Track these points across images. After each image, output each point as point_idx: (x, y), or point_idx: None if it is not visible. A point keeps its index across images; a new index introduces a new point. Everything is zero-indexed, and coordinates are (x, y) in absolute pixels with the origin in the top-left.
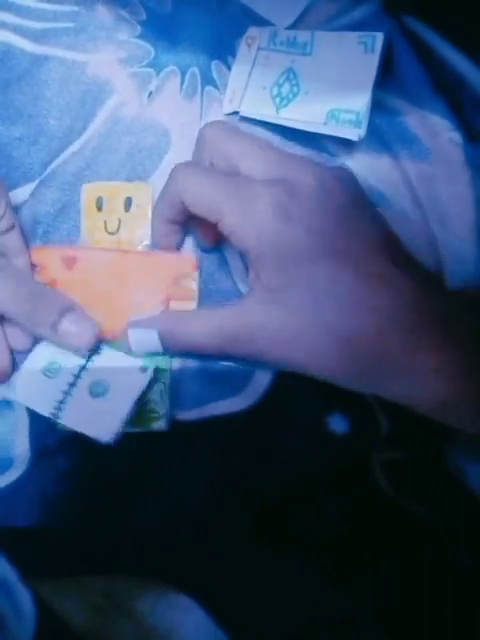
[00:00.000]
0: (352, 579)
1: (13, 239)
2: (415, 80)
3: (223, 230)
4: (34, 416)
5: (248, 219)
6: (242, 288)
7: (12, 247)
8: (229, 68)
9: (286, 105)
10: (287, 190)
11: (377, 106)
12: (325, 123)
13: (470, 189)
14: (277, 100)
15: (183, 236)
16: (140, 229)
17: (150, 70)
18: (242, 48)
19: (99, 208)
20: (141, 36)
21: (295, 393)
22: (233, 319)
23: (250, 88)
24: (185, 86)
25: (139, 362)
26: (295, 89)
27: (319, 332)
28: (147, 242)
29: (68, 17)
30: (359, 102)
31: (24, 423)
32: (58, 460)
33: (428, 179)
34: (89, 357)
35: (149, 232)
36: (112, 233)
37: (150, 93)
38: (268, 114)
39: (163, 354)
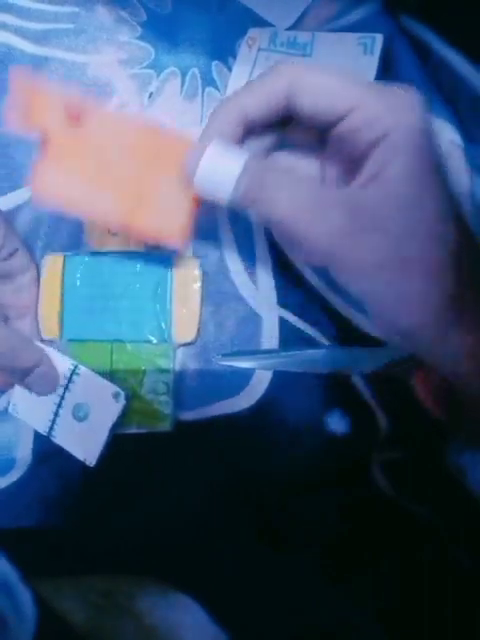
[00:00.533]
0: (352, 579)
1: (18, 260)
2: (414, 81)
3: (353, 123)
4: None
5: (396, 108)
6: (242, 290)
7: (19, 267)
8: (230, 69)
9: None
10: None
11: None
12: None
13: (470, 190)
14: None
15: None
16: None
17: (150, 71)
18: (243, 49)
19: None
20: (141, 37)
21: (295, 394)
22: (329, 201)
23: None
24: (185, 87)
25: (112, 388)
26: None
27: (392, 280)
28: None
29: (68, 18)
30: None
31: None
32: (59, 461)
33: None
34: (70, 378)
35: None
36: (115, 234)
37: (150, 94)
38: None
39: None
